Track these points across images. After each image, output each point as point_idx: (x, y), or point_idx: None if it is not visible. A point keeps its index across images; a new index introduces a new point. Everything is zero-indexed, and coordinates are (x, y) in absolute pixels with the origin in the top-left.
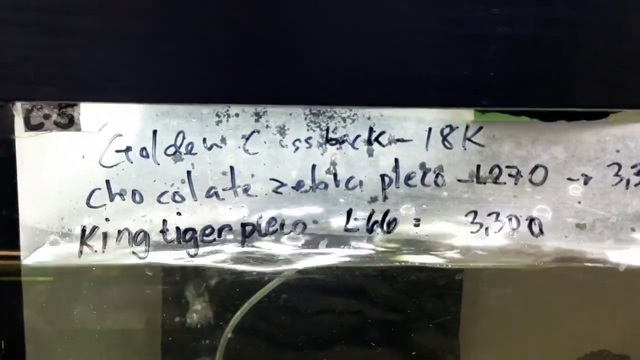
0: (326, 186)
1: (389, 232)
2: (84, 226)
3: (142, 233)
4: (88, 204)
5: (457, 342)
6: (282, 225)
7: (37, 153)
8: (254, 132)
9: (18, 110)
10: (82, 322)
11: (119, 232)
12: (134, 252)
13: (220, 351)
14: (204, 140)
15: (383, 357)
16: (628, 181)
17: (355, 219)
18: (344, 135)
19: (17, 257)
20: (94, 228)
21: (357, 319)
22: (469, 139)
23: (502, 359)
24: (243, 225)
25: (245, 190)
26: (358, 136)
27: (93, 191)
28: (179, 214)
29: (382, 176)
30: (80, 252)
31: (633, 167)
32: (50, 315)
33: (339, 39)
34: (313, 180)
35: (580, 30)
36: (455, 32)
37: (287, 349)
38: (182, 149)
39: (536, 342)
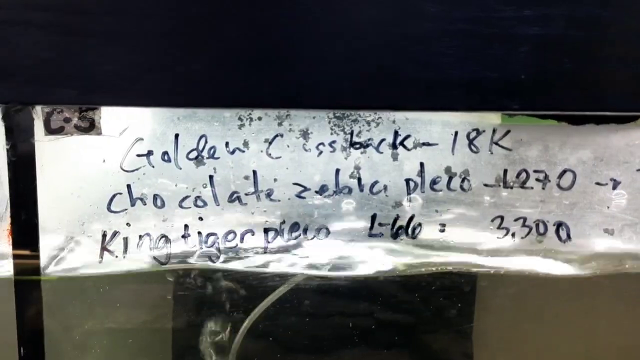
0: (350, 191)
1: (413, 238)
2: (104, 231)
3: (164, 238)
4: (109, 208)
5: (471, 344)
6: (305, 230)
7: (57, 157)
8: (276, 135)
9: (38, 113)
10: (99, 323)
11: (140, 237)
12: (154, 257)
13: (232, 354)
14: (227, 144)
15: (396, 358)
16: None
17: (380, 224)
18: (369, 139)
19: (37, 264)
20: (115, 233)
21: (371, 321)
22: (496, 143)
23: None
24: (266, 230)
25: (268, 195)
26: (383, 140)
27: (114, 196)
28: (200, 218)
29: (407, 180)
30: (101, 257)
31: None
32: (67, 317)
33: (363, 40)
34: (337, 184)
35: (611, 32)
36: (484, 33)
37: (301, 352)
38: (204, 153)
39: (549, 347)
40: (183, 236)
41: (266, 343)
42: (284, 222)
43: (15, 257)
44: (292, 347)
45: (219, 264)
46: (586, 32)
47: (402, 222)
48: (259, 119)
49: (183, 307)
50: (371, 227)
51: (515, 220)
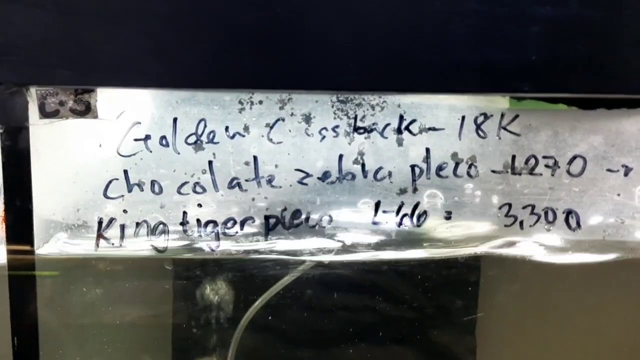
0: (353, 177)
1: (418, 225)
2: (100, 218)
3: (161, 225)
4: (105, 194)
5: (474, 339)
6: (307, 218)
7: (52, 141)
8: (278, 120)
9: (32, 96)
10: (95, 316)
11: (137, 224)
12: (152, 245)
13: (233, 345)
14: (226, 128)
15: (399, 352)
16: None
17: (384, 212)
18: (373, 124)
19: (31, 251)
20: (111, 220)
21: (371, 315)
22: (504, 128)
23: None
24: (266, 217)
25: (269, 181)
26: (387, 125)
27: (110, 181)
28: (199, 205)
29: (412, 167)
30: (97, 244)
31: None
32: (61, 305)
33: (368, 20)
34: (340, 170)
35: (624, 13)
36: (495, 13)
37: (303, 344)
38: (204, 138)
39: (556, 341)
40: (181, 223)
41: (267, 335)
42: (285, 209)
43: (9, 244)
44: (293, 339)
45: (218, 252)
46: (599, 13)
47: (407, 209)
48: (260, 102)
49: (182, 298)
50: (375, 215)
51: (524, 207)
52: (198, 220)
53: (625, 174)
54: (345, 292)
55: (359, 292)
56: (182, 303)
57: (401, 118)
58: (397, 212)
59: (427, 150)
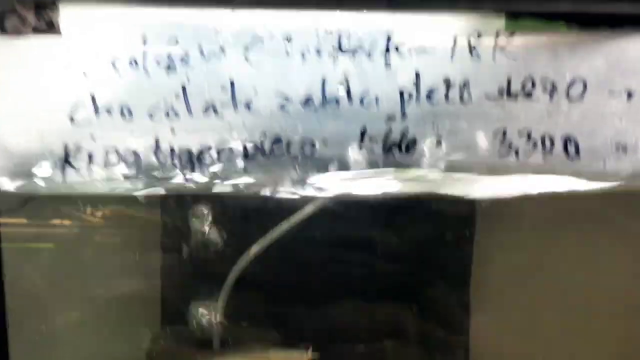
0: (338, 102)
1: (407, 154)
2: (66, 145)
3: (132, 153)
4: (71, 119)
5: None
6: (288, 146)
7: (12, 62)
8: (256, 40)
9: None
10: (74, 263)
11: (107, 152)
12: (123, 174)
13: (224, 291)
14: (201, 50)
15: (390, 306)
16: None
17: (370, 139)
18: (359, 45)
19: None
20: (78, 147)
21: (359, 270)
22: (500, 50)
23: (514, 314)
24: (244, 145)
25: (247, 106)
26: (374, 45)
27: (76, 105)
28: (172, 131)
29: (401, 91)
30: (63, 174)
31: None
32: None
33: None
34: (323, 95)
35: None
36: None
37: (292, 291)
38: (176, 59)
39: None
40: (154, 151)
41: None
42: (264, 136)
43: None
44: (278, 283)
45: (192, 183)
46: None
47: (394, 137)
48: (237, 21)
49: (169, 237)
50: (361, 142)
51: (520, 135)
52: (172, 149)
53: (628, 98)
54: (325, 246)
55: (342, 232)
56: (170, 239)
57: (389, 39)
58: (385, 140)
59: (417, 73)
